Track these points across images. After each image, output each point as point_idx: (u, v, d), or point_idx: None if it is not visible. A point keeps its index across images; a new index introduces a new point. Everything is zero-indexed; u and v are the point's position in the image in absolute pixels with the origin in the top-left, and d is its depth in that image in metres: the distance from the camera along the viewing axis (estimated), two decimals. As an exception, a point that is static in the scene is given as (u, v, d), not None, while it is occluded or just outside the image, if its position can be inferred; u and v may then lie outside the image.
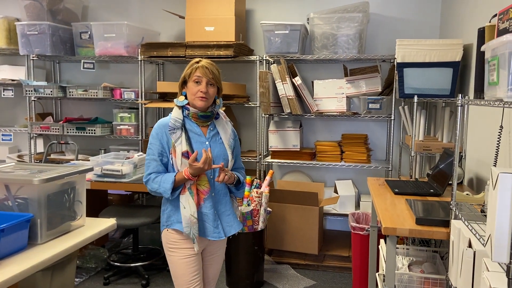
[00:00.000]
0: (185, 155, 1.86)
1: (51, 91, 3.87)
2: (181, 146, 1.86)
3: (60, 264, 2.79)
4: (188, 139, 1.89)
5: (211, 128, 1.99)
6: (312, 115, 3.57)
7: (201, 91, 1.87)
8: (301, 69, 3.92)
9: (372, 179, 2.79)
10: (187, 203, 1.86)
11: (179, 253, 1.90)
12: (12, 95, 4.17)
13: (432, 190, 2.34)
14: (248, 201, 3.13)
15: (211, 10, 3.60)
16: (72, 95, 3.89)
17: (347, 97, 3.57)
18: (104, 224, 1.90)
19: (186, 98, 1.94)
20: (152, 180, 1.88)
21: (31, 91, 3.91)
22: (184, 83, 1.95)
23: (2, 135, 4.25)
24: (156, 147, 1.90)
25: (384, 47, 3.73)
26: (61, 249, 1.59)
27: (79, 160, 3.79)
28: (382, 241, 2.50)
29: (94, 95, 3.85)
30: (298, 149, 3.65)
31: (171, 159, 1.89)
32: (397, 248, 2.56)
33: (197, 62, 1.92)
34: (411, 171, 3.02)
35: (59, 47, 3.95)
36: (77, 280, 3.23)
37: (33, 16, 3.91)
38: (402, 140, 3.65)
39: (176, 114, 1.92)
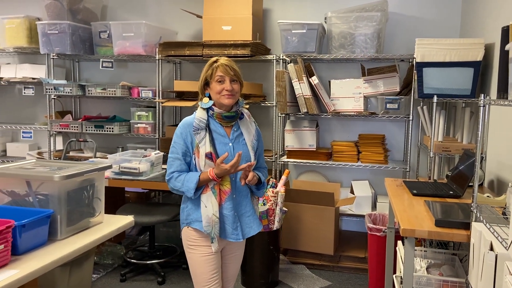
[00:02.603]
0: (209, 156, 1.86)
1: (71, 90, 3.93)
2: (205, 147, 1.86)
3: (78, 260, 2.84)
4: (212, 140, 1.89)
5: (235, 129, 1.97)
6: (328, 115, 3.55)
7: (227, 89, 1.86)
8: (318, 69, 3.89)
9: (389, 179, 2.75)
10: (209, 202, 1.86)
11: (198, 250, 1.90)
12: (32, 93, 4.25)
13: (451, 192, 2.30)
14: (263, 201, 3.13)
15: (229, 10, 3.61)
16: (91, 93, 3.95)
17: (364, 97, 3.53)
18: (122, 221, 1.93)
19: (210, 98, 1.92)
20: (175, 179, 1.88)
21: (51, 89, 3.98)
22: (206, 84, 1.94)
23: (23, 132, 4.34)
24: (180, 146, 1.90)
25: (403, 46, 3.69)
26: (80, 245, 1.61)
27: (97, 157, 3.84)
28: (399, 242, 2.47)
29: (112, 94, 3.90)
30: (314, 149, 3.64)
31: (194, 159, 1.89)
32: (415, 250, 2.53)
33: (216, 62, 1.91)
34: (429, 172, 2.97)
35: (79, 46, 4.01)
36: (94, 276, 3.28)
37: (53, 16, 3.98)
38: (420, 141, 3.60)
39: (200, 114, 1.91)
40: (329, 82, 3.62)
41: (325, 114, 3.55)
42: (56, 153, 4.19)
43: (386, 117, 3.43)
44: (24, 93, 4.21)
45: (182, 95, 3.75)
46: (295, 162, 3.67)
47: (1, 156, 4.47)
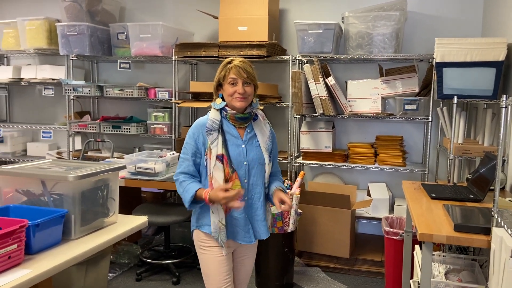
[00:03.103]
0: (220, 158, 1.83)
1: (89, 90, 3.98)
2: (217, 148, 1.84)
3: (94, 259, 2.87)
4: (225, 142, 1.86)
5: (249, 130, 1.94)
6: (345, 116, 3.50)
7: (238, 92, 1.84)
8: (335, 69, 3.85)
9: (407, 182, 2.69)
10: (216, 209, 1.84)
11: (210, 251, 1.89)
12: (52, 94, 4.33)
13: (471, 196, 2.23)
14: (278, 202, 3.10)
15: (245, 10, 3.60)
16: (109, 94, 3.99)
17: (382, 97, 3.47)
18: (136, 221, 1.93)
19: (223, 99, 1.91)
20: (180, 183, 1.88)
21: (70, 90, 4.04)
22: (219, 85, 1.92)
23: (43, 132, 4.42)
24: (191, 147, 1.88)
25: (422, 46, 3.61)
26: (94, 245, 1.62)
27: (114, 157, 3.88)
28: (417, 247, 2.41)
29: (129, 95, 3.93)
30: (330, 151, 3.59)
31: (205, 160, 1.86)
32: (433, 255, 2.46)
33: (230, 63, 1.88)
34: (449, 175, 2.90)
35: (97, 48, 4.06)
36: (110, 275, 3.30)
37: (72, 17, 4.04)
38: (440, 143, 3.51)
39: (213, 115, 1.89)
40: (346, 82, 3.57)
41: (342, 115, 3.50)
42: (74, 153, 4.25)
43: (405, 118, 3.37)
44: (44, 93, 4.28)
45: (198, 96, 3.76)
46: (310, 163, 3.63)
47: (21, 155, 4.56)
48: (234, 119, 1.90)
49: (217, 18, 3.76)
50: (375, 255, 3.46)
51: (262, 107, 1.98)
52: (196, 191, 1.82)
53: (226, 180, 1.85)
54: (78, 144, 4.35)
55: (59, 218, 1.58)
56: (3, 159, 4.48)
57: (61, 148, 4.63)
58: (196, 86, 3.68)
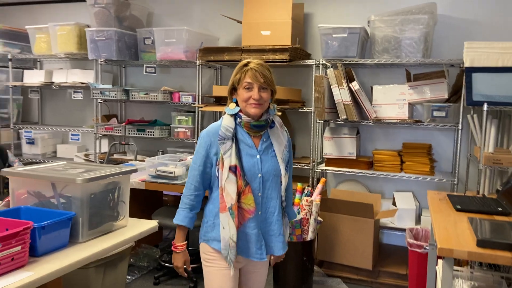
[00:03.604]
0: (233, 169, 1.70)
1: (115, 94, 4.05)
2: (230, 159, 1.71)
3: (113, 261, 2.89)
4: (238, 152, 1.73)
5: (264, 139, 1.79)
6: (370, 122, 3.39)
7: (254, 98, 1.70)
8: (360, 74, 3.74)
9: (432, 192, 2.57)
10: (227, 224, 1.70)
11: (216, 266, 1.78)
12: (81, 97, 4.44)
13: (500, 209, 2.09)
14: (298, 209, 3.03)
15: (268, 15, 3.56)
16: (134, 98, 4.05)
17: (409, 103, 3.34)
18: (146, 225, 1.92)
19: (237, 104, 1.77)
20: (183, 196, 1.81)
21: (98, 93, 4.12)
22: (234, 89, 1.79)
23: (72, 134, 4.53)
24: (201, 157, 1.77)
25: (453, 50, 3.45)
26: (100, 248, 1.61)
27: (137, 160, 3.92)
28: (439, 261, 2.28)
29: (154, 98, 3.97)
30: (354, 157, 3.49)
31: (217, 170, 1.74)
32: (460, 271, 2.33)
33: (246, 65, 1.74)
34: (478, 186, 2.74)
35: (125, 52, 4.13)
36: (129, 277, 3.33)
37: (101, 23, 4.13)
38: (470, 152, 3.34)
39: (227, 122, 1.75)
40: (371, 88, 3.47)
41: (366, 121, 3.39)
42: (101, 155, 4.33)
43: (433, 125, 3.22)
44: (73, 97, 4.40)
45: (220, 100, 3.74)
46: (333, 170, 3.54)
47: (51, 157, 4.70)
48: (249, 127, 1.76)
49: (241, 22, 3.74)
50: (399, 268, 3.32)
51: (279, 113, 1.88)
52: (179, 226, 1.80)
53: (239, 194, 1.72)
54: (105, 146, 4.43)
55: (66, 220, 1.58)
56: (33, 160, 4.62)
57: (89, 150, 4.73)
58: (218, 90, 3.67)
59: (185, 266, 1.87)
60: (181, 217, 1.79)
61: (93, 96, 4.14)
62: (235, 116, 1.77)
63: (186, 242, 1.86)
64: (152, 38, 4.04)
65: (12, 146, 4.65)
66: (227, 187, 1.70)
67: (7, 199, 1.84)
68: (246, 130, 1.77)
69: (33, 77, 4.56)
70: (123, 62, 4.37)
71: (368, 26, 3.47)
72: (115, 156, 4.31)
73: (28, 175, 1.69)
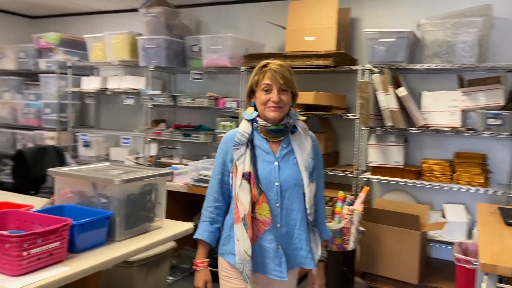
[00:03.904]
0: (246, 176, 1.58)
1: (164, 100, 4.19)
2: (243, 165, 1.59)
3: (155, 262, 2.97)
4: (254, 158, 1.61)
5: (284, 145, 1.65)
6: (418, 130, 3.25)
7: (273, 101, 1.58)
8: (408, 80, 3.60)
9: (483, 205, 2.41)
10: (241, 236, 1.58)
11: (231, 283, 1.66)
12: (133, 102, 4.63)
13: (558, 226, 1.92)
14: (339, 218, 2.96)
15: (313, 20, 3.54)
16: (181, 103, 4.16)
17: (461, 110, 3.17)
18: (181, 227, 1.96)
19: (256, 109, 1.66)
20: (203, 208, 1.73)
21: (147, 99, 4.29)
22: (252, 92, 1.67)
23: (123, 138, 4.74)
24: (218, 165, 1.70)
25: (510, 55, 3.23)
26: (134, 248, 1.66)
27: (182, 164, 4.02)
28: (485, 278, 2.13)
29: (200, 104, 4.06)
30: (401, 166, 3.36)
31: (231, 178, 1.64)
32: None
33: (265, 66, 1.62)
34: (536, 200, 2.53)
35: (173, 59, 4.27)
36: (171, 278, 3.40)
37: (152, 31, 4.30)
38: (530, 163, 3.10)
39: (243, 127, 1.65)
40: (420, 94, 3.32)
41: (414, 129, 3.26)
42: (149, 159, 4.49)
43: (488, 134, 3.03)
44: (125, 102, 4.60)
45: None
46: (378, 179, 3.43)
47: (105, 159, 4.93)
48: (265, 132, 1.64)
49: (285, 28, 3.74)
50: (448, 284, 3.13)
51: (304, 118, 1.72)
52: (200, 241, 1.70)
53: (253, 203, 1.59)
54: (153, 150, 4.59)
55: (103, 219, 1.65)
56: (88, 162, 4.88)
57: (139, 153, 4.92)
58: (262, 97, 3.69)
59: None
60: (200, 231, 1.70)
61: (143, 101, 4.31)
62: (252, 121, 1.66)
63: (207, 260, 1.73)
64: (199, 45, 4.14)
65: (70, 148, 4.94)
66: (240, 195, 1.59)
67: (53, 198, 1.96)
68: (263, 135, 1.65)
69: (90, 83, 4.83)
70: (172, 69, 4.51)
71: (418, 30, 3.34)
72: (163, 159, 4.45)
73: (70, 175, 1.78)
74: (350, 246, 2.91)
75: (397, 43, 3.26)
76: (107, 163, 2.09)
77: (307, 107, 3.47)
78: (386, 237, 3.19)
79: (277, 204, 1.61)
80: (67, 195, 1.87)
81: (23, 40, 5.36)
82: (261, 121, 1.64)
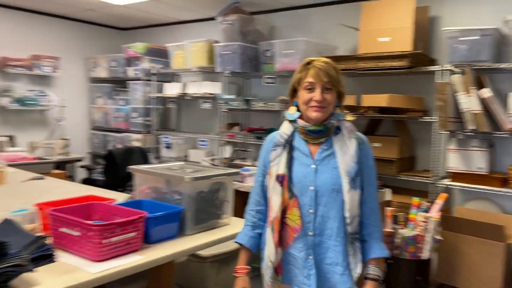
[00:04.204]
0: (280, 179, 1.50)
1: (238, 104, 4.34)
2: (278, 167, 1.52)
3: (226, 259, 3.09)
4: (290, 160, 1.52)
5: (325, 147, 1.53)
6: (505, 134, 3.01)
7: (315, 100, 1.47)
8: (494, 80, 3.34)
9: None
10: (268, 240, 1.52)
11: None
12: (210, 106, 4.85)
13: None
14: (413, 225, 2.84)
15: (387, 21, 3.44)
16: (254, 107, 4.28)
17: (556, 113, 2.87)
18: (247, 226, 2.02)
19: (298, 109, 1.55)
20: (246, 212, 1.65)
21: (223, 103, 4.46)
22: (294, 90, 1.57)
23: (200, 140, 4.98)
24: (260, 167, 1.63)
25: None
26: (202, 242, 1.76)
27: (254, 166, 4.12)
28: None
29: (272, 108, 4.14)
30: (485, 173, 3.13)
31: (267, 179, 1.57)
32: None
33: (308, 63, 1.52)
34: None
35: (247, 64, 4.40)
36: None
37: (228, 38, 4.47)
38: None
39: (284, 128, 1.58)
40: (505, 95, 3.07)
41: (500, 132, 3.01)
42: (224, 160, 4.66)
43: None
44: (202, 106, 4.83)
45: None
46: (459, 186, 3.22)
47: (183, 160, 5.22)
48: (304, 133, 1.54)
49: (358, 30, 3.68)
50: (539, 303, 2.85)
51: (353, 118, 1.58)
52: (242, 247, 1.62)
53: (284, 208, 1.51)
54: (228, 152, 4.76)
55: (175, 214, 1.77)
56: (168, 162, 5.20)
57: (214, 155, 5.13)
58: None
59: None
60: (241, 235, 1.63)
61: (219, 105, 4.49)
62: (294, 121, 1.57)
63: (247, 267, 1.65)
64: (271, 50, 4.23)
65: (153, 149, 5.31)
66: (273, 198, 1.52)
67: (133, 193, 2.14)
68: (303, 136, 1.55)
69: (171, 89, 5.16)
70: (246, 74, 4.65)
71: (505, 26, 3.10)
72: (237, 161, 4.59)
73: (147, 172, 1.94)
74: (425, 255, 2.77)
75: (481, 41, 3.05)
76: (182, 163, 2.23)
77: (380, 110, 3.38)
78: (466, 248, 2.98)
79: (311, 211, 1.49)
80: (145, 191, 2.03)
81: (114, 50, 5.88)
82: (301, 122, 1.54)
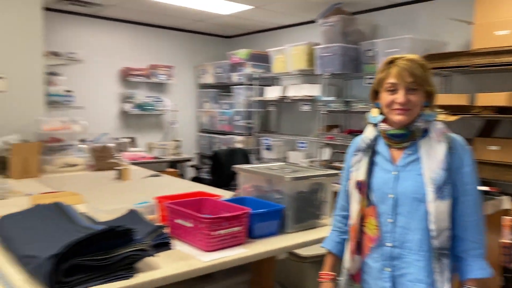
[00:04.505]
0: (358, 185, 1.43)
1: (337, 105, 4.32)
2: (357, 173, 1.45)
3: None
4: (371, 165, 1.44)
5: (409, 152, 1.41)
6: None
7: (398, 102, 1.36)
8: None
9: None
10: (346, 247, 1.50)
11: None
12: (309, 109, 4.90)
13: None
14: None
15: (505, 12, 3.15)
16: (354, 108, 4.22)
17: None
18: (347, 227, 2.03)
19: (381, 111, 1.45)
20: (332, 216, 1.63)
21: (322, 105, 4.48)
22: (376, 92, 1.46)
23: (299, 142, 5.05)
24: (344, 173, 1.57)
25: None
26: (302, 241, 1.81)
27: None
28: None
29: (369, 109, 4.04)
30: None
31: (348, 185, 1.51)
32: None
33: (391, 62, 1.41)
34: None
35: (348, 66, 4.36)
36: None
37: (328, 40, 4.48)
38: None
39: (368, 132, 1.49)
40: None
41: None
42: (322, 162, 4.67)
43: None
44: (301, 109, 4.90)
45: (448, 109, 3.50)
46: None
47: (283, 162, 5.34)
48: (387, 137, 1.43)
49: (472, 24, 3.42)
50: None
51: (452, 118, 1.48)
52: (328, 254, 1.58)
53: (362, 217, 1.44)
54: (326, 154, 4.76)
55: (277, 212, 1.86)
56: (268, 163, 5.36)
57: (313, 157, 5.16)
58: (446, 99, 3.45)
59: None
60: (327, 239, 1.61)
61: (318, 107, 4.52)
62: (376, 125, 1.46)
63: (332, 273, 1.59)
64: (374, 50, 4.13)
65: (254, 151, 5.53)
66: (352, 205, 1.47)
67: (237, 191, 2.28)
68: (386, 140, 1.44)
69: (272, 93, 5.32)
70: (346, 75, 4.60)
71: None
72: (336, 163, 4.56)
73: (250, 172, 2.06)
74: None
75: None
76: (283, 163, 2.32)
77: (498, 110, 3.11)
78: None
79: (389, 220, 1.38)
80: (248, 189, 2.16)
81: (220, 57, 6.25)
82: (383, 125, 1.43)
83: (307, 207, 1.97)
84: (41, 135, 3.50)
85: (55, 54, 4.60)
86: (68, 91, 4.60)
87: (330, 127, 4.80)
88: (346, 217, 1.53)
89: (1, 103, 3.48)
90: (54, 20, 4.95)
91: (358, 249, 1.44)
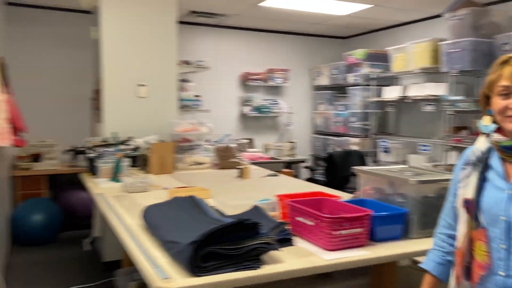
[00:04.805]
0: (466, 204, 1.26)
1: (466, 105, 3.98)
2: (465, 190, 1.27)
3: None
4: (481, 182, 1.24)
5: None
6: None
7: (511, 108, 1.18)
8: None
9: None
10: (451, 272, 1.34)
11: None
12: (433, 109, 4.60)
13: None
14: None
15: None
16: (487, 108, 3.84)
17: None
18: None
19: (495, 120, 1.25)
20: (434, 234, 1.48)
21: (448, 105, 4.17)
22: (487, 97, 1.27)
23: (421, 145, 4.76)
24: (451, 187, 1.40)
25: None
26: (426, 247, 1.71)
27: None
28: None
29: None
30: None
31: (455, 201, 1.34)
32: None
33: (504, 62, 1.22)
34: None
35: (479, 61, 4.00)
36: None
37: (457, 35, 4.16)
38: None
39: (479, 144, 1.29)
40: None
41: None
42: (448, 167, 4.34)
43: None
44: (423, 109, 4.62)
45: None
46: None
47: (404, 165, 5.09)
48: (499, 149, 1.24)
49: None
50: None
51: None
52: (428, 273, 1.41)
53: (470, 239, 1.24)
54: (453, 158, 4.41)
55: (400, 215, 1.79)
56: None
57: (437, 161, 4.82)
58: None
59: None
60: (427, 259, 1.45)
61: (443, 108, 4.21)
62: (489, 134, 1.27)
63: None
64: (511, 43, 3.71)
65: (371, 153, 5.37)
66: (459, 225, 1.30)
67: (356, 193, 2.25)
68: (499, 153, 1.24)
69: (391, 93, 5.11)
70: (477, 72, 4.21)
71: None
72: (464, 168, 4.21)
73: (372, 174, 2.02)
74: None
75: None
76: (406, 166, 2.23)
77: None
78: None
79: (502, 246, 1.18)
80: (368, 191, 2.12)
81: (336, 59, 6.21)
82: (495, 136, 1.24)
83: (433, 213, 1.87)
84: (174, 136, 3.90)
85: (186, 62, 5.06)
86: (197, 95, 5.03)
87: (457, 129, 4.44)
88: (452, 237, 1.38)
89: (142, 108, 3.96)
90: (185, 31, 5.45)
91: (467, 274, 1.26)
